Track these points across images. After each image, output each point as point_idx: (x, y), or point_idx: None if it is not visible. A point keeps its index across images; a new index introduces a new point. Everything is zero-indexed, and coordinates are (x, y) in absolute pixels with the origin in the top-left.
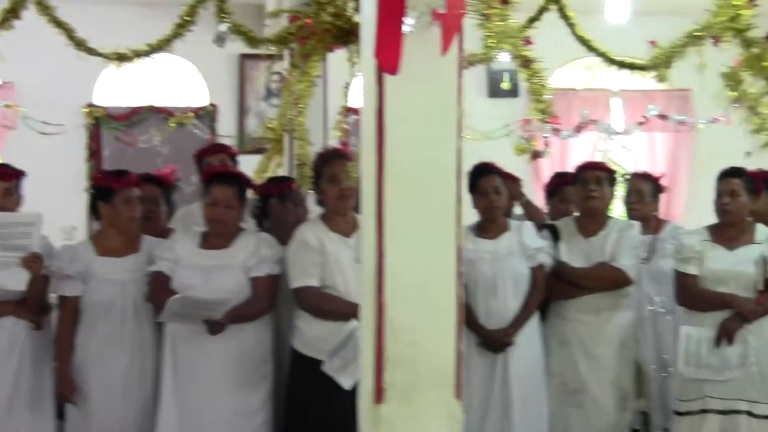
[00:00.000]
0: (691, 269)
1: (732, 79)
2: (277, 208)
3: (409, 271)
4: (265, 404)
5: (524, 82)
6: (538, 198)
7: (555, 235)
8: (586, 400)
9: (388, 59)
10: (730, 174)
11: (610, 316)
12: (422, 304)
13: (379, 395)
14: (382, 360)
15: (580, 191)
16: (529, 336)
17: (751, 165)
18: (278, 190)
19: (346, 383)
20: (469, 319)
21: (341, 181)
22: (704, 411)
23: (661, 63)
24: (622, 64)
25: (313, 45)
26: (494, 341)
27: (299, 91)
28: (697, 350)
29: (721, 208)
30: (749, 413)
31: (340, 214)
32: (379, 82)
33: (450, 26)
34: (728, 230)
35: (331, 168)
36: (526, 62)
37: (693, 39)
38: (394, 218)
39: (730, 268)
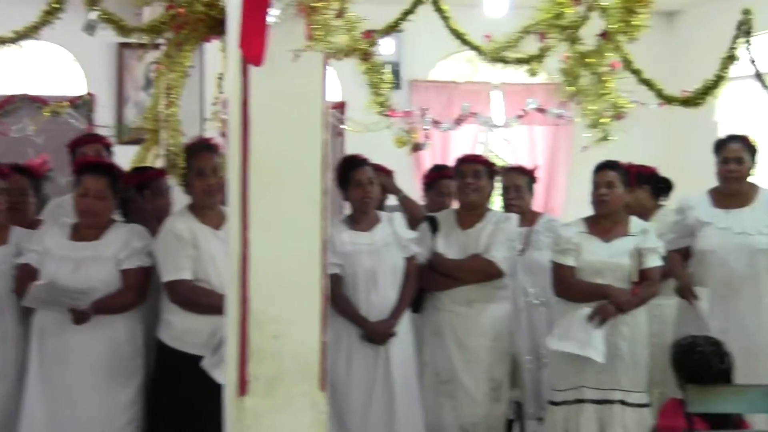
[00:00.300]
0: (569, 261)
1: (569, 75)
2: (134, 198)
3: (273, 263)
4: (136, 399)
5: (363, 75)
6: (418, 190)
7: (434, 226)
8: (457, 390)
9: (252, 50)
10: (606, 166)
11: (484, 308)
12: (287, 297)
13: (243, 387)
14: (246, 352)
15: (458, 184)
16: (404, 326)
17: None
18: (137, 181)
19: (220, 378)
20: (351, 312)
21: (208, 176)
22: (580, 401)
23: (495, 57)
24: (495, 58)
25: (186, 35)
26: (378, 333)
27: (171, 81)
28: (568, 325)
29: (597, 200)
30: (623, 402)
31: (208, 208)
32: (244, 72)
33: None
34: (604, 222)
35: (198, 161)
36: (364, 56)
37: (525, 34)
38: (258, 210)
39: (606, 259)
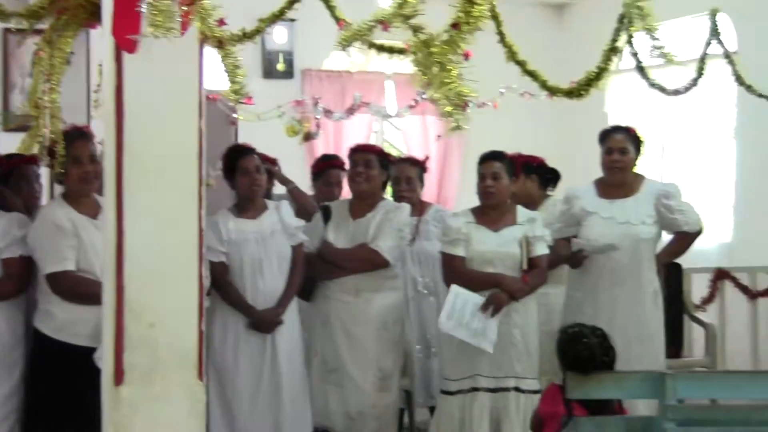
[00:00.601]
0: (458, 251)
1: (421, 64)
2: None
3: (149, 252)
4: (15, 391)
5: (221, 62)
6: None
7: (327, 216)
8: (344, 379)
9: (125, 37)
10: (491, 157)
11: (371, 298)
12: (163, 286)
13: (119, 377)
14: (122, 342)
15: (349, 173)
16: (291, 315)
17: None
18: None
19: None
20: (238, 300)
21: (84, 163)
22: (475, 389)
23: (347, 44)
24: (381, 48)
25: (67, 20)
26: (264, 321)
27: (51, 67)
28: (462, 309)
29: (484, 191)
30: (517, 389)
31: (84, 196)
32: (118, 60)
33: (187, 5)
34: (491, 212)
35: (74, 149)
36: (218, 43)
37: (376, 24)
38: (134, 199)
39: (496, 249)
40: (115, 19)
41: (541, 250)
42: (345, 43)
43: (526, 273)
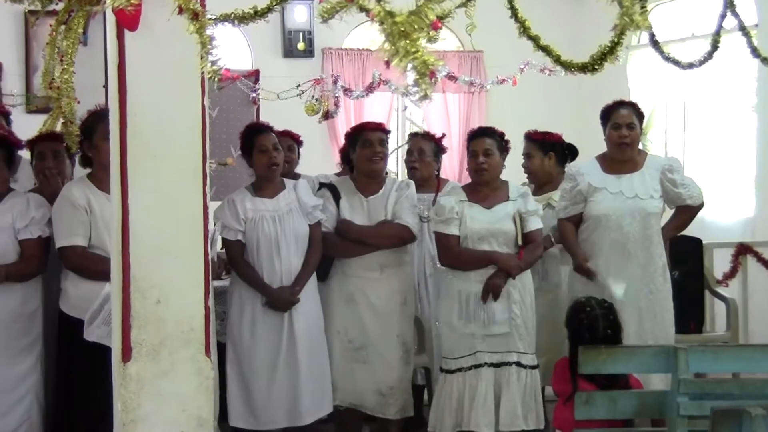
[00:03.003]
0: (453, 230)
1: (389, 34)
2: None
3: (154, 229)
4: (33, 370)
5: (192, 34)
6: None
7: (335, 194)
8: (372, 356)
9: (127, 14)
10: (482, 134)
11: (394, 273)
12: (169, 263)
13: (126, 354)
14: (129, 319)
15: (366, 152)
16: (309, 293)
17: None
18: None
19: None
20: (253, 278)
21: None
22: (476, 366)
23: (327, 17)
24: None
25: (77, 1)
26: (280, 300)
27: (64, 48)
28: (467, 305)
29: (476, 168)
30: (518, 364)
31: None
32: (120, 38)
33: None
34: (483, 189)
35: (105, 125)
36: (194, 16)
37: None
38: (138, 176)
39: (490, 226)
40: None
41: (535, 224)
42: (326, 15)
43: (521, 248)
